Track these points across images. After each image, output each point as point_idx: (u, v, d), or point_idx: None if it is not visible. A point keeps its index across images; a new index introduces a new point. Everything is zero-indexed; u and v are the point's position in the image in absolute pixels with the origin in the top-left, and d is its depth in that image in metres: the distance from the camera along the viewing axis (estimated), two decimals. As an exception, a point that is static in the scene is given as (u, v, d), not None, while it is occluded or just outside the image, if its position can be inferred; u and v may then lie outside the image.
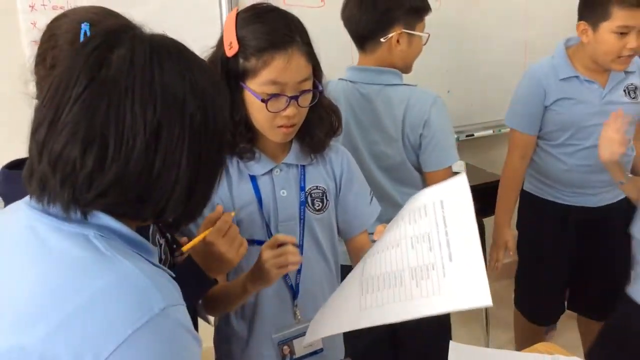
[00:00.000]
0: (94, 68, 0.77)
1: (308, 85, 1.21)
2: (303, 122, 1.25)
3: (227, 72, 1.19)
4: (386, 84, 1.76)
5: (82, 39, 1.08)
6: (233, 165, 1.28)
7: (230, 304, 1.27)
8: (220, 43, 1.22)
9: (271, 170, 1.29)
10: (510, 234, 2.23)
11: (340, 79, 1.81)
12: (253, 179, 1.28)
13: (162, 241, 1.21)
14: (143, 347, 0.70)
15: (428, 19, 1.82)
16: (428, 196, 1.02)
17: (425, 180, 1.81)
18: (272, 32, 1.18)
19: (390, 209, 1.58)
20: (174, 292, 0.78)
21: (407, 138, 1.75)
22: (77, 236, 0.76)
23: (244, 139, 1.24)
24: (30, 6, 1.95)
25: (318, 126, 1.28)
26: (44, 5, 1.97)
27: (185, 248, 1.15)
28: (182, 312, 0.76)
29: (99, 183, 0.75)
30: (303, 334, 1.27)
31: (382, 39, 1.74)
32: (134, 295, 0.72)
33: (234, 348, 1.36)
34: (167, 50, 0.81)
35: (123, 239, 0.79)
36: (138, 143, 0.75)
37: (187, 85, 0.79)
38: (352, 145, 1.75)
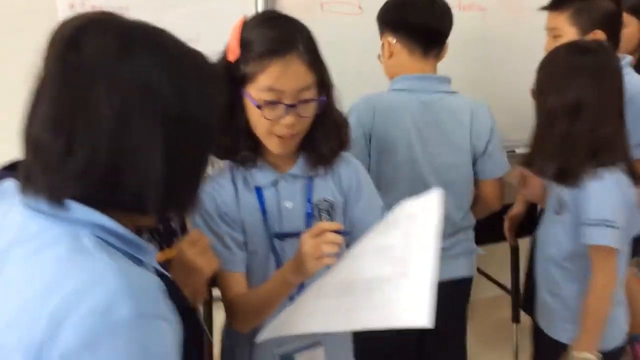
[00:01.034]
0: (66, 53, 0.76)
1: (309, 94, 1.17)
2: (308, 134, 1.23)
3: (229, 77, 1.17)
4: (445, 92, 1.74)
5: None
6: (239, 177, 1.27)
7: (270, 305, 1.21)
8: (226, 49, 1.22)
9: (277, 181, 1.27)
10: None
11: (394, 89, 1.75)
12: (258, 189, 1.26)
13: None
14: (101, 354, 0.67)
15: (472, 30, 1.93)
16: (405, 208, 1.02)
17: (478, 189, 1.82)
18: (274, 37, 1.16)
19: (447, 225, 1.57)
20: (155, 301, 0.74)
21: (473, 147, 1.75)
22: (66, 235, 0.75)
23: (245, 146, 1.23)
24: (70, 5, 1.95)
25: (324, 140, 1.25)
26: (83, 4, 1.96)
27: (159, 258, 1.12)
28: (159, 327, 0.73)
29: (70, 168, 0.74)
30: (306, 347, 1.28)
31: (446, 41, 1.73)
32: (102, 299, 0.69)
33: None
34: (143, 37, 0.79)
35: (115, 237, 0.78)
36: (104, 130, 0.74)
37: (162, 73, 0.77)
38: (412, 159, 1.71)
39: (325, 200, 1.30)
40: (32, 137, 0.77)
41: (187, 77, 0.80)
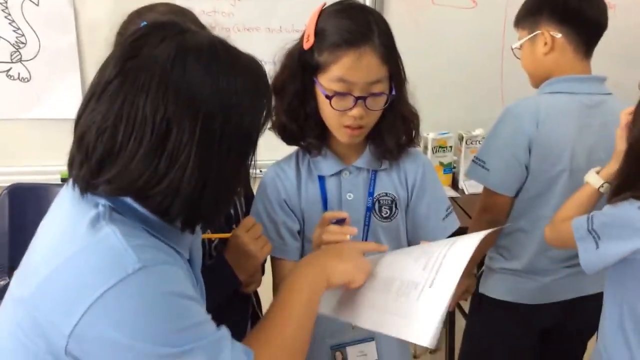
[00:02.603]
0: (124, 60, 0.80)
1: (380, 87, 1.16)
2: (377, 127, 1.22)
3: (303, 64, 1.19)
4: (606, 94, 1.62)
5: None
6: (304, 165, 1.29)
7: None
8: (302, 36, 1.23)
9: (340, 172, 1.27)
10: None
11: (551, 92, 1.61)
12: (321, 179, 1.27)
13: None
14: (116, 306, 0.73)
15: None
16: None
17: None
18: (349, 28, 1.15)
19: None
20: (158, 252, 0.80)
21: None
22: (88, 204, 0.81)
23: (312, 133, 1.24)
24: None
25: (389, 134, 1.24)
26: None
27: (213, 236, 1.21)
28: (164, 271, 0.78)
29: (107, 170, 0.78)
30: (357, 341, 1.29)
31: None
32: (108, 256, 0.75)
33: None
34: (198, 50, 0.81)
35: (133, 212, 0.82)
36: (145, 141, 0.77)
37: (209, 88, 0.79)
38: (575, 167, 1.57)
39: (386, 195, 1.28)
40: (78, 133, 0.81)
41: (234, 91, 0.81)
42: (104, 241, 0.77)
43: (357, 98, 1.14)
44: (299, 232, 1.28)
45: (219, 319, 0.83)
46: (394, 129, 1.24)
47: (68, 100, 2.06)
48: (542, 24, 1.58)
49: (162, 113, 0.77)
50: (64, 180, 2.02)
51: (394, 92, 1.19)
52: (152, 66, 0.78)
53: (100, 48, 1.94)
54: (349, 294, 1.05)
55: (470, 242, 0.92)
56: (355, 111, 1.15)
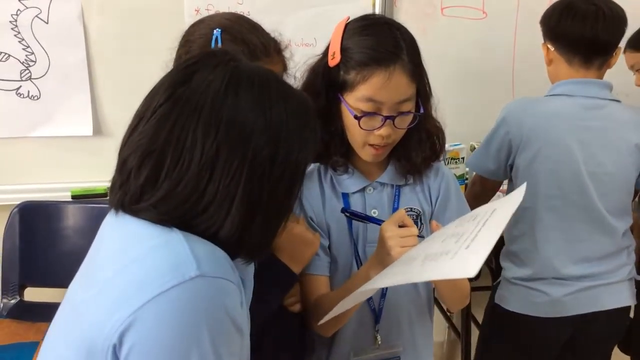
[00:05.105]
0: (176, 85, 0.80)
1: (409, 106, 1.15)
2: (401, 142, 1.20)
3: (328, 81, 1.17)
4: (611, 99, 1.63)
5: (213, 44, 1.14)
6: (327, 181, 1.27)
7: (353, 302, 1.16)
8: (326, 52, 1.21)
9: (364, 189, 1.25)
10: None
11: (551, 95, 1.66)
12: (345, 196, 1.25)
13: None
14: (167, 309, 0.72)
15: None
16: (486, 206, 1.00)
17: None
18: (377, 47, 1.12)
19: (608, 239, 1.62)
20: (223, 267, 0.78)
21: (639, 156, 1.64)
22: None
23: (338, 151, 1.22)
24: (195, 10, 2.04)
25: (416, 150, 1.22)
26: (207, 10, 2.04)
27: None
28: (223, 287, 0.76)
29: (149, 197, 0.78)
30: (384, 359, 1.27)
31: (614, 53, 1.63)
32: (170, 260, 0.75)
33: None
34: (250, 80, 0.81)
35: None
36: (193, 166, 0.76)
37: (261, 118, 0.79)
38: (573, 169, 1.60)
39: (411, 210, 1.26)
40: (122, 156, 0.81)
41: (283, 123, 0.81)
42: (169, 244, 0.76)
43: (386, 117, 1.13)
44: (329, 248, 1.26)
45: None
46: (420, 145, 1.22)
47: (78, 117, 2.05)
48: (544, 35, 1.67)
49: (212, 138, 0.76)
50: (74, 197, 2.06)
51: (421, 110, 1.17)
52: (204, 92, 0.78)
53: (109, 64, 2.00)
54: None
55: (505, 212, 0.91)
56: (383, 131, 1.14)
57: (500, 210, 0.94)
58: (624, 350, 1.95)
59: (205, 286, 0.74)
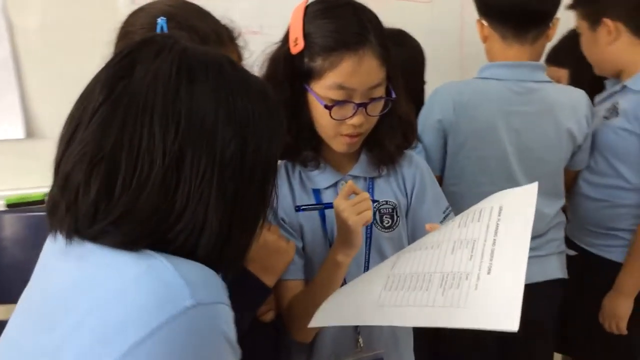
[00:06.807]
0: (114, 81, 0.69)
1: (380, 92, 1.09)
2: (372, 131, 1.14)
3: (291, 71, 1.09)
4: (541, 81, 1.58)
5: None
6: (295, 177, 1.19)
7: (324, 294, 1.08)
8: (286, 38, 1.13)
9: (336, 183, 1.18)
10: None
11: (480, 77, 1.61)
12: (316, 192, 1.18)
13: None
14: (161, 352, 0.61)
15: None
16: (492, 201, 0.93)
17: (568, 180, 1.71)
18: (342, 29, 1.06)
19: (536, 223, 1.69)
20: (216, 289, 0.67)
21: (573, 141, 1.62)
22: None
23: (308, 145, 1.15)
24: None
25: (389, 137, 1.16)
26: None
27: None
28: (219, 313, 0.66)
29: (105, 215, 0.66)
30: None
31: (550, 24, 1.56)
32: (159, 291, 0.63)
33: None
34: (203, 67, 0.71)
35: None
36: (155, 170, 0.65)
37: (222, 109, 0.69)
38: (500, 155, 1.58)
39: (387, 203, 1.20)
40: (62, 173, 0.68)
41: (247, 114, 0.72)
42: (153, 272, 0.64)
43: (358, 105, 1.06)
44: (303, 249, 1.18)
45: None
46: (392, 133, 1.16)
47: (6, 118, 1.88)
48: (478, 11, 1.62)
49: (173, 135, 0.66)
50: (10, 206, 1.91)
51: (393, 95, 1.10)
52: (152, 84, 0.68)
53: (39, 60, 1.86)
54: (362, 296, 0.97)
55: (521, 218, 0.84)
56: (356, 119, 1.07)
57: (510, 210, 0.88)
58: (563, 350, 1.95)
59: (202, 316, 0.64)
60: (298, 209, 1.14)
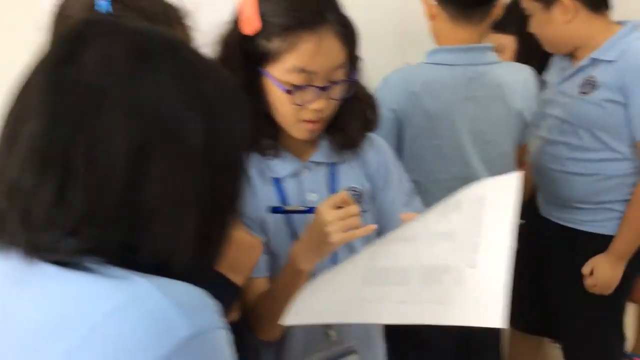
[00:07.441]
0: (60, 68, 0.60)
1: (341, 74, 1.04)
2: (334, 114, 1.09)
3: (245, 53, 1.03)
4: (490, 63, 1.56)
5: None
6: (251, 166, 1.10)
7: (286, 301, 1.03)
8: (237, 18, 1.06)
9: (298, 171, 1.12)
10: None
11: (433, 63, 1.57)
12: (276, 181, 1.11)
13: None
14: None
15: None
16: (472, 190, 0.90)
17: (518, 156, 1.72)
18: (300, 7, 1.01)
19: None
20: (211, 312, 0.59)
21: (523, 121, 1.63)
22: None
23: (266, 133, 1.08)
24: None
25: (351, 120, 1.12)
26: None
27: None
28: (221, 340, 0.59)
29: (60, 222, 0.57)
30: (338, 356, 1.15)
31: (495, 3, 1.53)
32: (148, 322, 0.54)
33: None
34: (159, 49, 0.63)
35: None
36: (116, 167, 0.57)
37: (186, 95, 0.62)
38: (455, 142, 1.57)
39: (352, 190, 1.15)
40: (8, 179, 0.59)
41: (211, 100, 0.64)
42: (137, 299, 0.55)
43: (320, 89, 1.01)
44: (266, 244, 1.11)
45: None
46: (354, 115, 1.11)
47: None
48: None
49: (138, 127, 0.58)
50: None
51: (355, 78, 1.06)
52: (106, 71, 0.59)
53: None
54: (334, 293, 0.94)
55: (505, 209, 0.82)
56: (319, 104, 1.02)
57: (493, 201, 0.85)
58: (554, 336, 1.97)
59: (203, 347, 0.55)
60: (275, 210, 1.07)
